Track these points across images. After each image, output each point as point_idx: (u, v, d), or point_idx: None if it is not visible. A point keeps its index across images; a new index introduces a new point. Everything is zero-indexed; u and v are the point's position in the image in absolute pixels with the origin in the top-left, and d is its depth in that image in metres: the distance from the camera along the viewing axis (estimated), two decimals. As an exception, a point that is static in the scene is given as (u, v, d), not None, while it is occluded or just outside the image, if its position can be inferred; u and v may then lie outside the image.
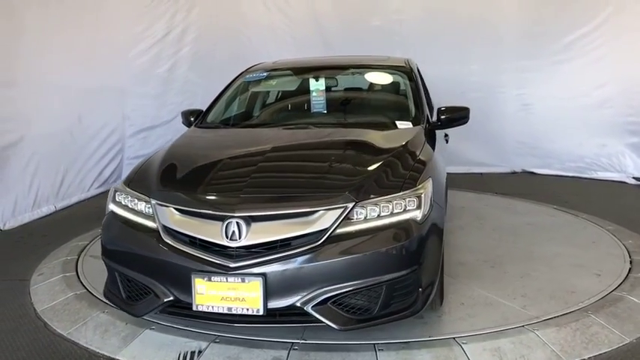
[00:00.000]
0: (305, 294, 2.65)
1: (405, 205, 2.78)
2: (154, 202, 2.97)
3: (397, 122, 3.85)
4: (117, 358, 2.99)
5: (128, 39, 7.06)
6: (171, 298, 2.80)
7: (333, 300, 2.67)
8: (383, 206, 2.76)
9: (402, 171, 3.04)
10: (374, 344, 2.95)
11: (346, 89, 4.75)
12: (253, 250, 2.70)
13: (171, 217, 2.88)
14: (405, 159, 3.17)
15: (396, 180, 2.94)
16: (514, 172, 7.39)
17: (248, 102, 4.73)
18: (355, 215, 2.73)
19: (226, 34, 7.76)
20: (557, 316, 3.22)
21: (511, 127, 7.24)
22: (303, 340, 3.00)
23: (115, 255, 3.08)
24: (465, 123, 3.98)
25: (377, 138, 3.58)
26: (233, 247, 2.70)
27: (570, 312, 3.27)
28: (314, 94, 4.31)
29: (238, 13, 7.84)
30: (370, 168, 3.06)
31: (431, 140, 3.70)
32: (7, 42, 5.46)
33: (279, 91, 4.93)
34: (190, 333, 3.11)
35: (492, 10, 7.11)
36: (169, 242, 2.83)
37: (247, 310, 2.68)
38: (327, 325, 2.66)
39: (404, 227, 2.74)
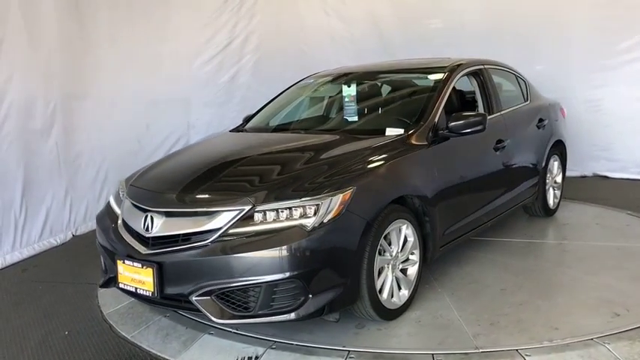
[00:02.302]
0: (192, 285, 2.87)
1: (302, 213, 2.85)
2: (123, 194, 3.47)
3: (388, 129, 3.67)
4: (176, 361, 3.06)
5: (192, 50, 7.27)
6: (111, 275, 3.24)
7: (215, 293, 2.85)
8: (280, 211, 2.85)
9: (318, 179, 3.03)
10: (432, 354, 2.88)
11: (370, 95, 4.59)
12: (160, 241, 2.99)
13: (126, 207, 3.33)
14: (333, 167, 3.16)
15: (306, 187, 2.97)
16: (584, 177, 7.05)
17: (281, 109, 4.80)
18: (255, 218, 2.85)
19: (286, 42, 7.85)
20: (629, 330, 3.03)
21: (581, 129, 6.90)
22: (357, 348, 2.97)
23: (98, 236, 3.49)
24: (482, 131, 3.71)
25: (333, 144, 3.60)
26: (147, 237, 3.03)
27: (643, 326, 3.08)
28: (345, 99, 4.23)
29: (298, 21, 7.91)
30: (289, 174, 3.15)
31: (416, 148, 3.54)
32: (81, 56, 5.75)
33: (309, 98, 4.92)
34: (248, 338, 3.15)
35: (559, 8, 6.80)
36: (118, 229, 3.26)
37: (146, 292, 2.99)
38: (206, 315, 2.87)
39: (289, 233, 2.81)
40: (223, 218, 2.88)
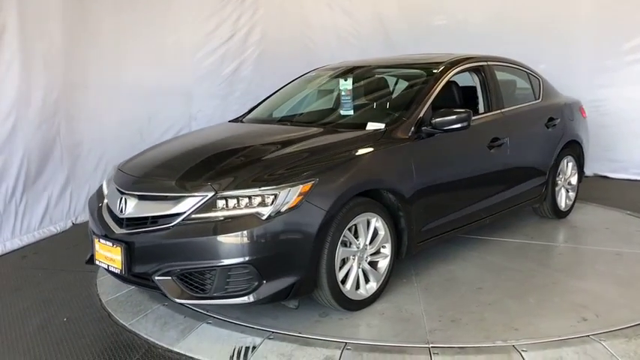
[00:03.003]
0: (155, 265, 3.03)
1: (260, 201, 2.96)
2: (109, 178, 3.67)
3: (369, 123, 3.70)
4: (174, 349, 3.08)
5: (195, 42, 7.25)
6: (92, 252, 3.40)
7: (175, 274, 2.99)
8: (241, 199, 2.97)
9: (280, 170, 3.12)
10: (429, 347, 2.89)
11: (364, 90, 4.58)
12: (132, 222, 3.16)
13: (110, 190, 3.50)
14: (300, 159, 3.25)
15: (266, 177, 3.06)
16: (585, 177, 7.04)
17: (281, 101, 4.82)
18: (218, 205, 2.97)
19: (290, 36, 7.85)
20: (625, 328, 3.04)
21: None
22: (357, 340, 2.99)
23: (88, 217, 3.68)
24: (466, 128, 3.68)
25: (311, 137, 3.67)
26: (121, 218, 3.20)
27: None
28: (342, 93, 4.23)
29: (302, 15, 7.90)
30: (256, 164, 3.24)
31: (396, 143, 3.56)
32: (83, 47, 5.74)
33: (307, 92, 4.90)
34: (245, 328, 3.16)
35: (563, 9, 6.79)
36: (102, 210, 3.45)
37: (116, 269, 3.16)
38: (165, 295, 3.03)
39: (244, 221, 2.92)
40: (187, 203, 3.01)
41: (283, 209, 2.95)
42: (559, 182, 5.03)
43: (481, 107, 4.40)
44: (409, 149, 3.61)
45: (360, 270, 3.35)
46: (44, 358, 3.07)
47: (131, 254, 3.08)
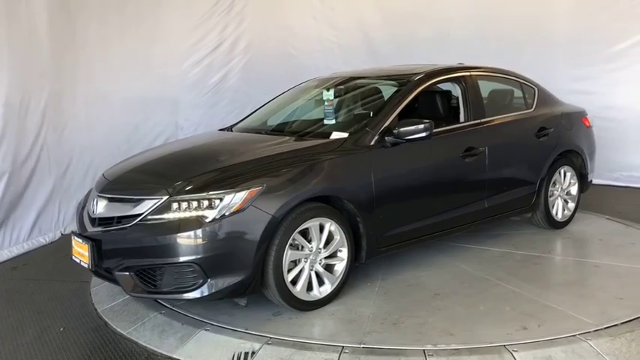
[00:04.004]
0: (116, 261, 3.29)
1: (207, 205, 3.16)
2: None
3: (334, 133, 3.86)
4: (174, 357, 3.12)
5: (182, 51, 7.31)
6: None
7: (132, 270, 3.23)
8: (192, 202, 3.18)
9: (231, 176, 3.32)
10: (424, 350, 2.98)
11: (347, 99, 4.70)
12: (102, 221, 3.42)
13: (92, 193, 3.73)
14: (253, 166, 3.44)
15: (215, 182, 3.27)
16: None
17: (269, 111, 4.91)
18: (172, 207, 3.19)
19: (276, 46, 7.94)
20: (610, 327, 3.17)
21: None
22: (355, 344, 3.06)
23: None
24: (427, 138, 3.80)
25: (274, 145, 3.82)
26: (93, 218, 3.48)
27: (623, 323, 3.21)
28: (325, 103, 4.31)
29: (287, 25, 8.01)
30: (214, 170, 3.43)
31: (351, 152, 3.68)
32: (70, 55, 5.76)
33: (292, 103, 4.96)
34: (244, 334, 3.21)
35: (544, 19, 6.99)
36: (83, 211, 3.70)
37: (85, 264, 3.40)
38: (122, 288, 3.30)
39: (189, 222, 3.14)
40: (145, 205, 3.26)
41: (228, 213, 3.15)
42: (555, 192, 4.99)
43: (462, 117, 4.48)
44: (369, 158, 3.73)
45: (313, 272, 3.49)
46: (44, 368, 3.10)
47: (98, 250, 3.33)
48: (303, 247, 3.43)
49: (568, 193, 5.14)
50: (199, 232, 3.11)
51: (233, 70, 7.80)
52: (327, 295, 3.54)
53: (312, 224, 3.42)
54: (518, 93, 5.06)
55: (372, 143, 3.78)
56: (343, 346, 3.04)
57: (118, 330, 3.47)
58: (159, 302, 3.69)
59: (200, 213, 3.15)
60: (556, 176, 4.98)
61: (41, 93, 5.39)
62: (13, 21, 5.02)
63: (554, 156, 4.90)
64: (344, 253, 3.59)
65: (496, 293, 3.70)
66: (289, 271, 3.36)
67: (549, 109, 5.07)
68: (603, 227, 5.15)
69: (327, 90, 4.37)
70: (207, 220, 3.12)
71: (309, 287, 3.48)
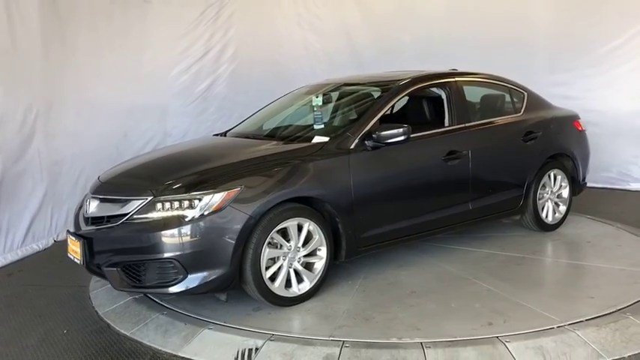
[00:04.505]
0: (105, 257, 3.49)
1: (188, 205, 3.36)
2: None
3: (316, 137, 4.03)
4: (179, 355, 3.21)
5: (169, 59, 7.38)
6: None
7: (119, 266, 3.43)
8: (174, 202, 3.38)
9: (211, 178, 3.52)
10: (421, 342, 3.11)
11: (336, 105, 4.86)
12: (94, 221, 3.62)
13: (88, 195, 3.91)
14: (234, 168, 3.64)
15: (196, 184, 3.47)
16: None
17: (263, 117, 5.05)
18: (157, 207, 3.38)
19: (262, 53, 8.05)
20: (596, 317, 3.34)
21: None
22: (354, 338, 3.19)
23: None
24: (405, 142, 3.95)
25: (258, 149, 4.05)
26: (86, 217, 3.69)
27: (609, 313, 3.38)
28: (314, 109, 4.46)
29: (273, 33, 8.13)
30: (197, 172, 3.64)
31: (328, 156, 3.83)
32: (60, 64, 5.82)
33: (284, 108, 5.09)
34: (246, 332, 3.31)
35: (525, 26, 7.22)
36: (79, 211, 3.90)
37: (78, 260, 3.59)
38: (110, 283, 3.52)
39: (170, 221, 3.34)
40: (131, 205, 3.45)
41: (206, 212, 3.34)
42: (545, 195, 5.08)
43: (446, 122, 4.60)
44: (348, 161, 3.88)
45: (292, 270, 3.66)
46: (51, 368, 3.16)
47: (89, 247, 3.52)
48: (281, 245, 3.60)
49: (559, 196, 5.22)
50: (179, 230, 3.31)
51: (220, 78, 7.89)
52: (306, 292, 3.71)
53: (291, 224, 3.60)
54: (506, 98, 5.16)
55: (352, 147, 3.94)
56: (344, 341, 3.16)
57: (122, 331, 3.55)
58: (160, 304, 3.77)
59: (181, 212, 3.35)
60: (545, 179, 5.06)
61: (33, 101, 5.43)
62: (5, 32, 5.08)
63: (543, 159, 5.00)
64: (323, 252, 3.76)
65: (471, 291, 3.82)
66: (268, 268, 3.54)
67: (538, 113, 5.16)
68: (595, 230, 5.22)
69: (317, 96, 4.52)
70: (187, 219, 3.33)
71: (288, 284, 3.66)
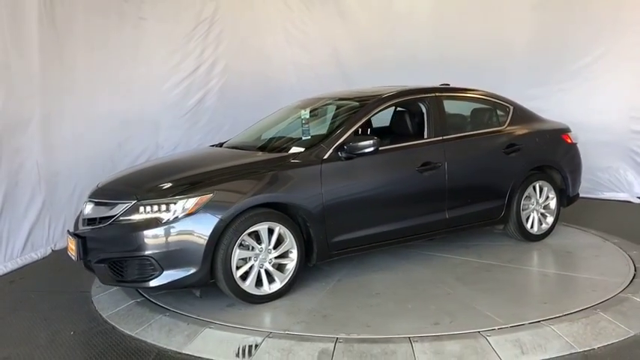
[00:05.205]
0: (95, 254, 3.89)
1: (164, 209, 3.74)
2: None
3: (293, 147, 4.37)
4: (184, 352, 3.43)
5: (162, 74, 7.60)
6: None
7: (106, 262, 3.82)
8: (153, 206, 3.76)
9: (189, 185, 3.89)
10: (409, 337, 3.36)
11: (321, 118, 5.14)
12: (90, 222, 4.03)
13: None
14: (210, 176, 3.99)
15: (172, 189, 3.85)
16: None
17: (257, 129, 5.33)
18: (140, 210, 3.77)
19: (251, 68, 8.31)
20: (570, 314, 3.62)
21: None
22: (347, 334, 3.43)
23: None
24: (374, 153, 4.24)
25: (239, 158, 4.40)
26: (84, 219, 4.09)
27: (581, 310, 3.67)
28: (302, 121, 4.69)
29: (262, 48, 8.40)
30: (178, 179, 4.01)
31: (296, 166, 4.13)
32: (57, 78, 6.02)
33: (276, 122, 5.34)
34: (246, 330, 3.54)
35: (501, 44, 7.60)
36: (80, 214, 4.26)
37: (74, 256, 3.98)
38: (97, 277, 4.01)
39: (148, 223, 3.73)
40: (118, 208, 3.85)
41: (181, 215, 3.71)
42: (530, 206, 5.21)
43: (425, 134, 4.81)
44: (320, 170, 4.17)
45: (263, 270, 3.96)
46: (63, 366, 3.36)
47: (83, 245, 3.90)
48: (253, 247, 3.92)
49: (546, 207, 5.33)
50: (155, 231, 3.70)
51: (211, 92, 8.12)
52: (276, 291, 4.00)
53: (261, 227, 3.91)
54: (491, 112, 5.37)
55: (326, 157, 4.23)
56: (337, 337, 3.40)
57: (126, 332, 3.75)
58: (162, 306, 3.97)
59: (158, 215, 3.73)
60: (529, 190, 5.18)
61: (32, 115, 5.63)
62: (7, 50, 5.30)
63: (526, 171, 5.15)
64: (294, 255, 4.05)
65: (432, 294, 4.06)
66: (239, 267, 3.85)
67: (523, 126, 5.30)
68: (580, 240, 5.31)
69: (304, 110, 4.80)
70: (163, 221, 3.71)
71: (260, 283, 3.96)
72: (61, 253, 5.73)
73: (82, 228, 4.06)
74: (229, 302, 3.95)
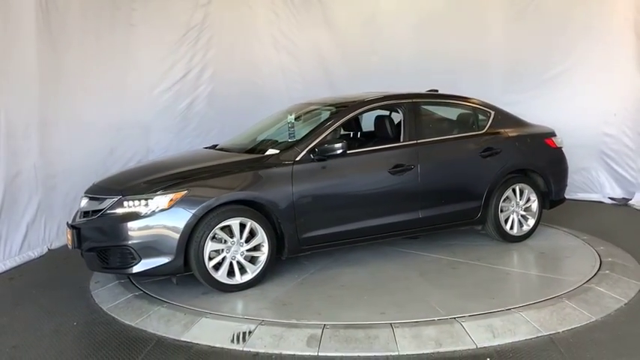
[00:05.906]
0: (86, 243, 4.31)
1: (143, 204, 4.14)
2: None
3: (269, 149, 4.71)
4: (182, 339, 3.68)
5: (152, 79, 7.82)
6: None
7: (95, 251, 4.26)
8: (135, 201, 4.18)
9: (167, 182, 4.28)
10: (391, 323, 3.65)
11: (306, 123, 5.40)
12: (84, 214, 4.44)
13: None
14: (188, 174, 4.40)
15: (151, 186, 4.26)
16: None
17: (248, 133, 5.60)
18: (124, 205, 4.19)
19: (240, 74, 8.55)
20: (538, 302, 3.94)
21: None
22: (333, 321, 3.72)
23: None
24: (343, 155, 4.57)
25: (218, 159, 4.78)
26: (81, 211, 4.51)
27: (548, 299, 3.99)
28: (288, 125, 5.01)
29: (251, 55, 8.64)
30: (161, 177, 4.41)
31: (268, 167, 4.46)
32: (55, 85, 6.26)
33: (265, 126, 5.62)
34: (240, 319, 3.81)
35: (481, 52, 7.97)
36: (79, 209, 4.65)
37: (70, 246, 4.43)
38: (86, 264, 4.42)
39: (127, 216, 4.15)
40: (106, 202, 4.28)
41: (157, 210, 4.10)
42: (510, 208, 5.36)
43: (401, 138, 5.04)
44: (292, 170, 4.49)
45: (235, 261, 4.30)
46: (70, 352, 3.61)
47: (78, 235, 4.33)
48: (225, 240, 4.25)
49: (527, 210, 5.47)
50: (134, 223, 4.11)
51: (200, 97, 8.35)
52: (247, 281, 4.35)
53: (233, 222, 4.25)
54: (470, 117, 5.61)
55: (298, 159, 4.55)
56: (325, 324, 3.67)
57: (127, 322, 3.99)
58: (159, 299, 4.23)
59: (137, 209, 4.14)
60: (509, 193, 5.34)
61: (30, 119, 5.85)
62: (7, 58, 5.54)
63: (504, 174, 5.29)
64: (265, 248, 4.38)
65: (391, 287, 4.33)
66: (211, 259, 4.20)
67: (503, 131, 5.47)
68: (560, 242, 5.45)
69: (290, 114, 5.10)
70: (141, 215, 4.11)
71: (233, 273, 4.29)
72: (56, 252, 5.96)
73: (78, 220, 4.46)
74: (204, 290, 4.28)
